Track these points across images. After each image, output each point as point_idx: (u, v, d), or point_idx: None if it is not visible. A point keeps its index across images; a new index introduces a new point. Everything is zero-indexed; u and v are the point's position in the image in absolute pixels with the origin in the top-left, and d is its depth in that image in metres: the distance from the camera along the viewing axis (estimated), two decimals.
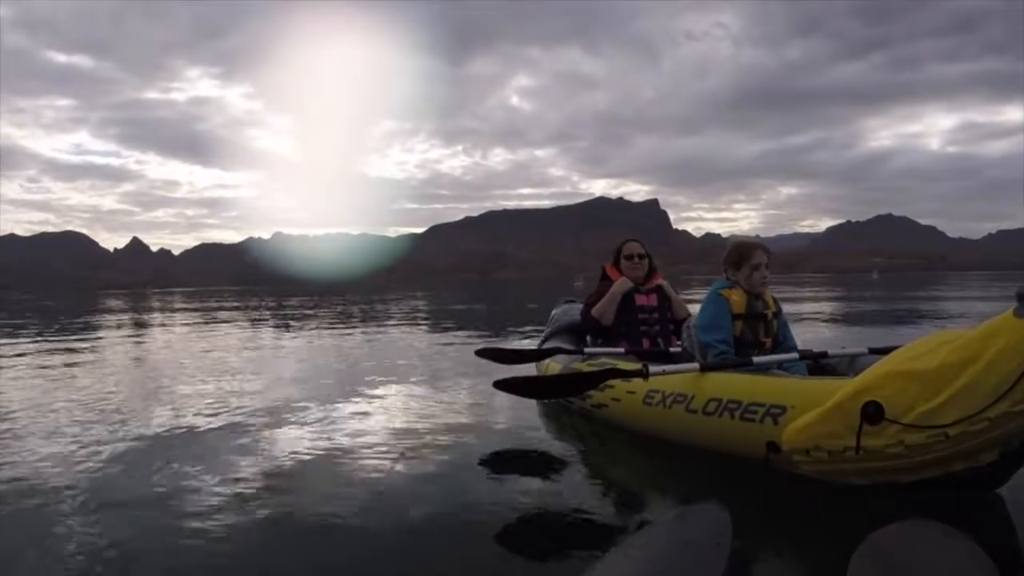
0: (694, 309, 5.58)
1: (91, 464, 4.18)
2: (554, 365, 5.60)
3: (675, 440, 4.04)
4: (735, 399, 3.60)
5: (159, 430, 5.13)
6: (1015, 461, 2.97)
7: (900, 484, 3.01)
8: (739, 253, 4.56)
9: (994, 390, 2.60)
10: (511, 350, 6.02)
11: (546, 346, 6.19)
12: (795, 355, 4.24)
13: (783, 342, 4.66)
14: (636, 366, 4.14)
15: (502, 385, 4.48)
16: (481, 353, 5.88)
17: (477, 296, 41.42)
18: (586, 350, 5.47)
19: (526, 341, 11.25)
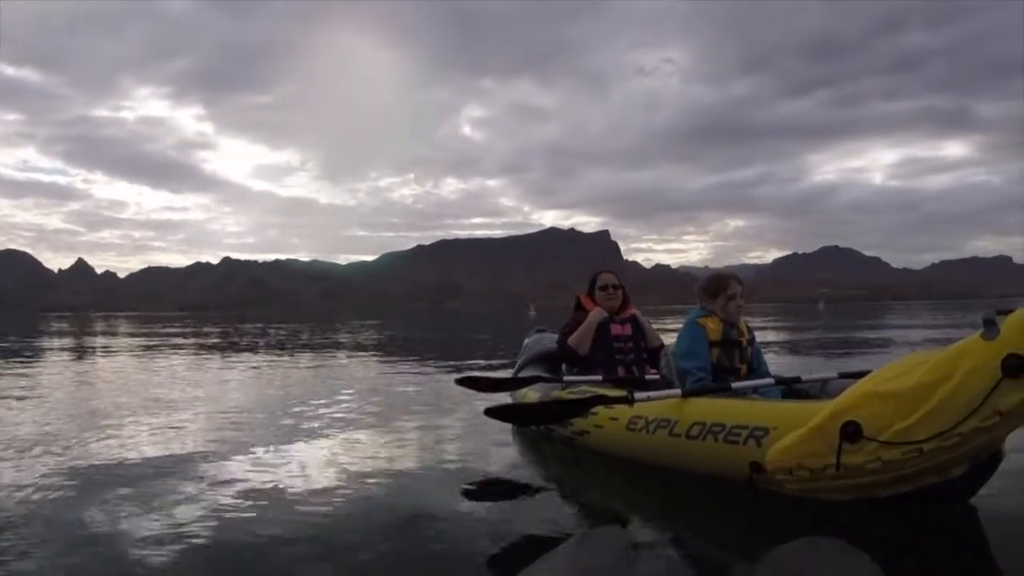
0: (665, 338, 5.84)
1: (23, 500, 4.00)
2: (532, 394, 5.74)
3: (659, 464, 4.21)
4: (719, 422, 3.81)
5: (97, 464, 4.93)
6: (983, 474, 3.26)
7: (877, 498, 3.25)
8: (715, 284, 4.81)
9: (965, 407, 2.85)
10: (490, 379, 6.17)
11: (522, 375, 6.33)
12: (771, 380, 4.51)
13: (757, 368, 4.91)
14: (621, 392, 4.33)
15: (494, 413, 4.65)
16: (461, 382, 6.01)
17: (428, 325, 40.89)
18: (565, 378, 5.64)
19: (477, 372, 10.96)
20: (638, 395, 4.20)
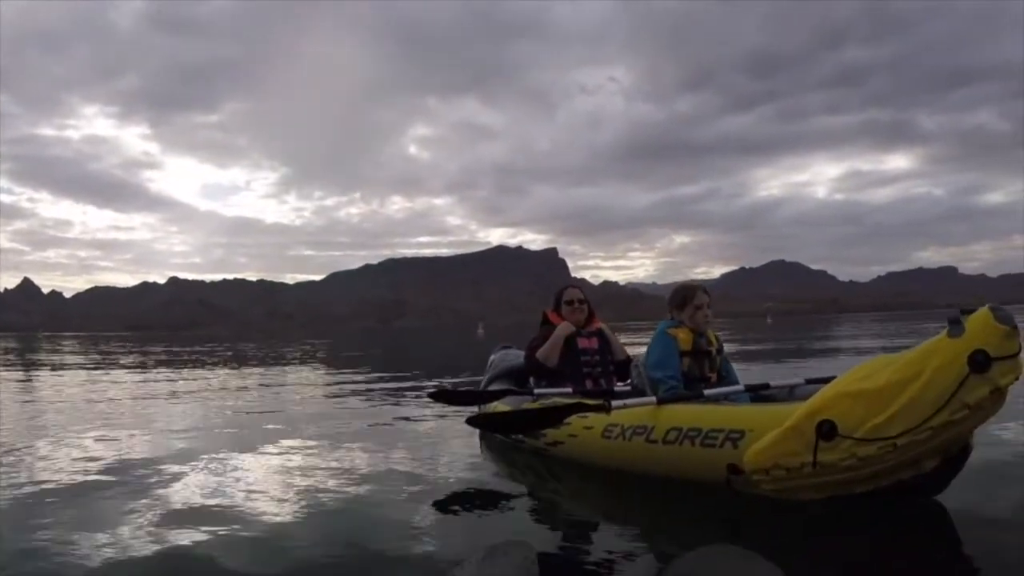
0: (630, 351, 5.98)
1: None
2: (502, 407, 5.79)
3: (636, 470, 4.31)
4: (695, 427, 3.93)
5: (41, 479, 4.91)
6: (954, 467, 3.44)
7: (853, 495, 3.39)
8: (683, 295, 4.96)
9: (935, 402, 3.01)
10: (464, 391, 6.26)
11: (491, 389, 6.40)
12: (741, 387, 4.65)
13: (726, 376, 5.05)
14: (598, 401, 4.46)
15: (476, 422, 4.78)
16: (434, 396, 6.07)
17: (377, 344, 40.71)
18: (536, 391, 5.71)
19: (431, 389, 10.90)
20: (615, 403, 4.32)
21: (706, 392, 4.47)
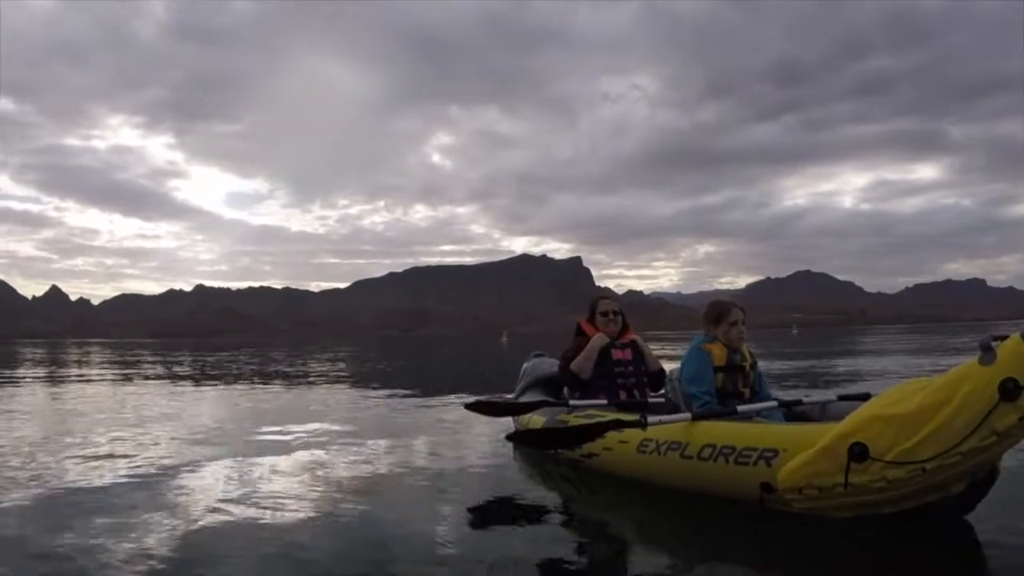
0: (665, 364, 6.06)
1: None
2: (537, 418, 5.92)
3: (670, 485, 4.41)
4: (729, 444, 4.03)
5: (69, 481, 5.05)
6: (981, 490, 3.53)
7: (881, 515, 3.48)
8: (718, 311, 5.06)
9: (965, 428, 3.09)
10: (500, 403, 6.34)
11: (523, 399, 6.48)
12: (774, 403, 4.75)
13: (759, 392, 5.13)
14: (634, 416, 4.54)
15: (516, 438, 4.91)
16: (471, 407, 6.16)
17: (401, 352, 40.35)
18: (571, 402, 5.78)
19: (456, 399, 10.79)
20: (651, 419, 4.40)
21: (740, 408, 4.55)
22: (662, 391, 5.86)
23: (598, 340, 6.02)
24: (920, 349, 27.74)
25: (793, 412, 4.84)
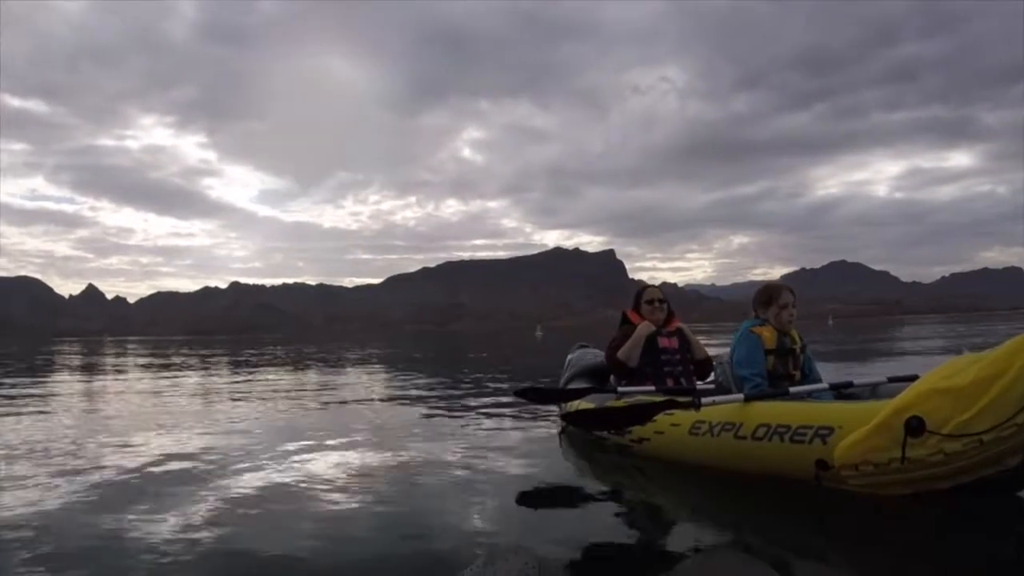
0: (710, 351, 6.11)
1: (40, 507, 4.18)
2: (585, 404, 5.92)
3: (724, 467, 4.44)
4: (784, 424, 4.08)
5: (111, 472, 5.13)
6: None
7: (936, 493, 3.51)
8: (768, 294, 5.12)
9: (1020, 399, 3.14)
10: (550, 389, 6.41)
11: (569, 388, 6.56)
12: (825, 385, 4.79)
13: (809, 374, 5.20)
14: (688, 398, 4.62)
15: (571, 418, 4.97)
16: (519, 393, 6.23)
17: (436, 346, 40.55)
18: (619, 389, 5.82)
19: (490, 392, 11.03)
20: (705, 400, 4.47)
21: (791, 390, 4.61)
22: (710, 379, 5.91)
23: (645, 328, 6.08)
24: (963, 336, 27.35)
25: (843, 394, 4.86)
